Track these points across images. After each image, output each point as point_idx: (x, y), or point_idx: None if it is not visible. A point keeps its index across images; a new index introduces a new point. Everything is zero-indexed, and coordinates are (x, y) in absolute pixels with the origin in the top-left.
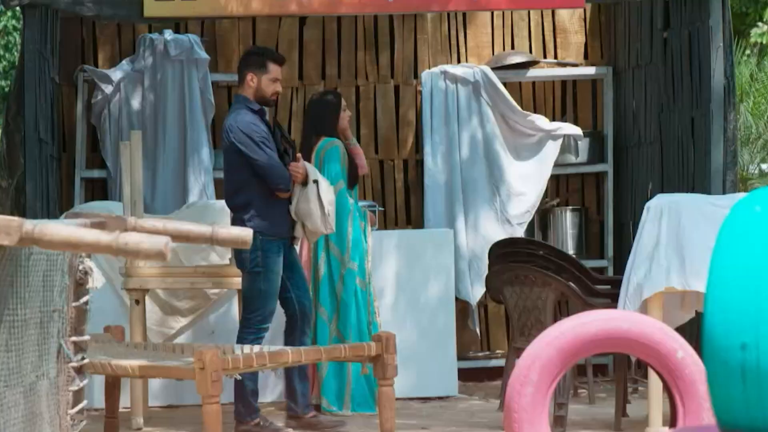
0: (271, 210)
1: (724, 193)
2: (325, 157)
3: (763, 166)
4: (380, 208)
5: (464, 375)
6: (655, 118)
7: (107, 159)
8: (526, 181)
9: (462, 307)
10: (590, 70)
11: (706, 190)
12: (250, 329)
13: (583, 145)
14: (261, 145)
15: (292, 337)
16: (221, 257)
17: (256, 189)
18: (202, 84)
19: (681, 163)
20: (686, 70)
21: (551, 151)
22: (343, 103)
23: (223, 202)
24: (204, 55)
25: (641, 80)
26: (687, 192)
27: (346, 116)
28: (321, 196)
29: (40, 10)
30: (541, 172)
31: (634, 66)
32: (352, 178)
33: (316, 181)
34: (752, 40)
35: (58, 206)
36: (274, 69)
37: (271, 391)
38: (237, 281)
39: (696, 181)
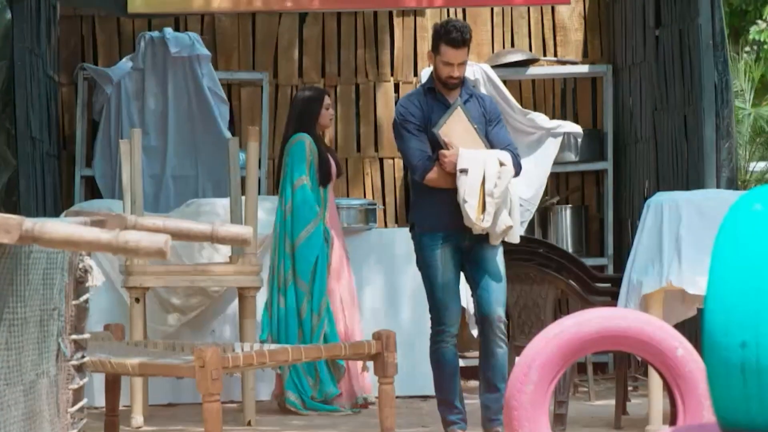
0: (423, 200)
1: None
2: (289, 152)
3: (761, 165)
4: (380, 207)
5: (464, 373)
6: (649, 115)
7: (102, 157)
8: (526, 179)
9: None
10: (590, 68)
11: (700, 188)
12: (431, 334)
13: (583, 143)
14: (400, 127)
15: (482, 344)
16: (222, 256)
17: (412, 177)
18: (208, 80)
19: (675, 161)
20: (678, 68)
21: (551, 149)
22: (326, 101)
23: (223, 199)
24: (205, 51)
25: (637, 78)
26: (681, 190)
27: (327, 114)
28: (460, 187)
29: (28, 5)
30: (540, 171)
31: (631, 64)
32: (324, 176)
33: (464, 171)
34: (750, 37)
35: (58, 204)
36: (446, 52)
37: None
38: (237, 279)
39: (690, 179)
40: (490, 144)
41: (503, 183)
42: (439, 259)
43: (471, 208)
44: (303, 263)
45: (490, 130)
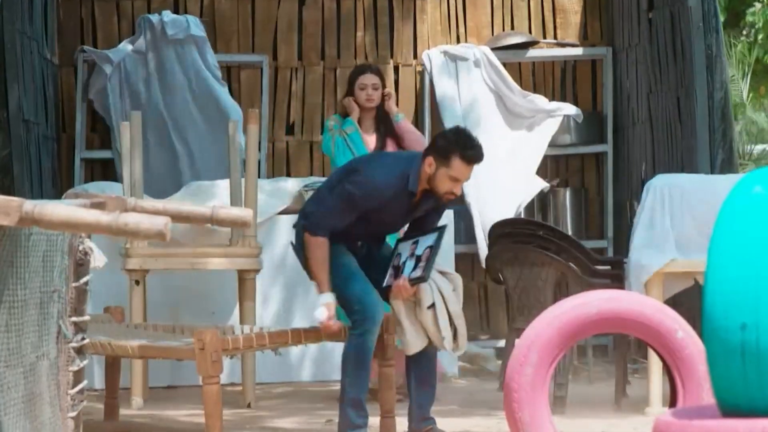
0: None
1: (712, 172)
2: None
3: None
4: None
5: (465, 355)
6: (645, 98)
7: (114, 141)
8: (526, 161)
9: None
10: (590, 51)
11: (694, 170)
12: (355, 325)
13: (583, 125)
14: (350, 192)
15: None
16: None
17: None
18: (203, 62)
19: (669, 142)
20: (671, 50)
21: (550, 131)
22: (361, 80)
23: (223, 182)
24: (201, 33)
25: (633, 61)
26: (676, 172)
27: (362, 94)
28: (430, 323)
29: None
30: (540, 153)
31: (627, 47)
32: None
33: (431, 306)
34: (747, 19)
35: (57, 186)
36: (458, 167)
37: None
38: (237, 262)
39: (684, 161)
40: (420, 225)
41: (460, 293)
42: (343, 254)
43: (448, 342)
44: None
45: (427, 217)
